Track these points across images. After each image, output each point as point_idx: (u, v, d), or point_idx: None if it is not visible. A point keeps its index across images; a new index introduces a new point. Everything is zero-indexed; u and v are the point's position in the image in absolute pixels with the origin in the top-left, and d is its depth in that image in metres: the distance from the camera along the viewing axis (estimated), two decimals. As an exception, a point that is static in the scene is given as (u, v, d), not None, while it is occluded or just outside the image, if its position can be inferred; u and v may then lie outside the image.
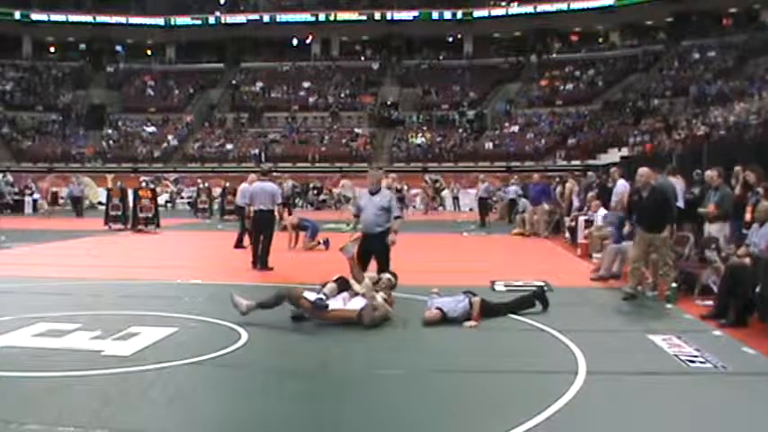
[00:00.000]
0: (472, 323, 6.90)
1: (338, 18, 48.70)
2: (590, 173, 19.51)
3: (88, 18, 48.76)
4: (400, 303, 7.37)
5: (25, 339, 6.19)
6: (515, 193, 23.91)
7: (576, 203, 16.19)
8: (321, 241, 14.47)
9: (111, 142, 43.38)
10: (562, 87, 43.93)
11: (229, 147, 41.83)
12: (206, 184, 29.71)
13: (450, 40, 50.01)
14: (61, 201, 26.62)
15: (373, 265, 8.19)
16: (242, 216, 13.58)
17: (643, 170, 8.78)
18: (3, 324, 6.70)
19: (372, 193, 8.43)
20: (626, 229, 9.55)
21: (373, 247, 8.19)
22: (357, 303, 6.89)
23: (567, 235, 15.42)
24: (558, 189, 18.29)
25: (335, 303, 6.89)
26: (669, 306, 7.99)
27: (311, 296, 6.90)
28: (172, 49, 51.40)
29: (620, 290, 8.85)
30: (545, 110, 42.16)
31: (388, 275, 7.48)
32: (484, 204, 21.76)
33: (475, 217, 26.51)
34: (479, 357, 5.94)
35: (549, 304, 7.68)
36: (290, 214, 16.59)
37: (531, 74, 45.87)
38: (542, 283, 9.17)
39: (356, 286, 7.08)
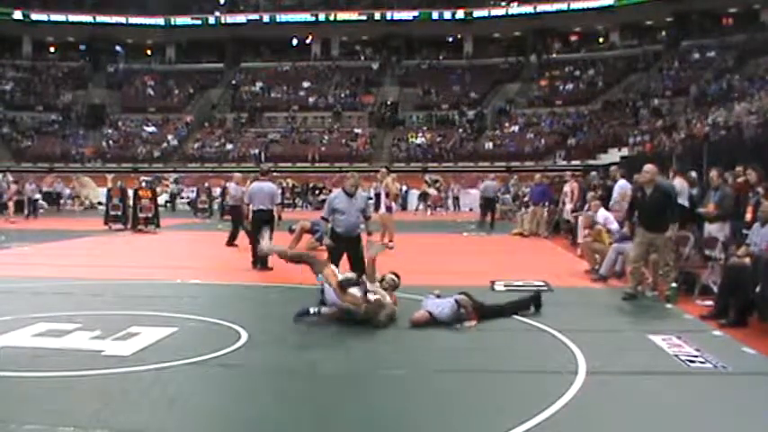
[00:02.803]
0: (472, 323, 6.88)
1: (338, 18, 48.69)
2: (592, 173, 19.45)
3: (88, 18, 48.76)
4: (400, 303, 7.36)
5: (25, 339, 6.19)
6: (510, 199, 23.99)
7: (568, 205, 16.26)
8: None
9: (110, 142, 43.39)
10: (562, 87, 43.93)
11: (229, 147, 41.85)
12: (206, 185, 29.81)
13: (450, 40, 50.00)
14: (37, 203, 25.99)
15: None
16: (237, 215, 14.17)
17: (648, 167, 8.62)
18: (3, 324, 6.70)
19: (350, 195, 8.40)
20: (625, 228, 9.54)
21: (350, 249, 8.26)
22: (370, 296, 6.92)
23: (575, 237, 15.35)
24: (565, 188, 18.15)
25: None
26: (669, 306, 7.99)
27: (338, 275, 6.92)
28: (172, 49, 51.40)
29: (620, 290, 8.85)
30: (545, 110, 42.17)
31: (391, 275, 7.47)
32: (487, 203, 21.48)
33: (475, 217, 26.50)
34: (479, 357, 5.94)
35: (541, 306, 7.64)
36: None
37: (531, 74, 45.88)
38: (542, 283, 9.18)
39: (368, 285, 7.09)
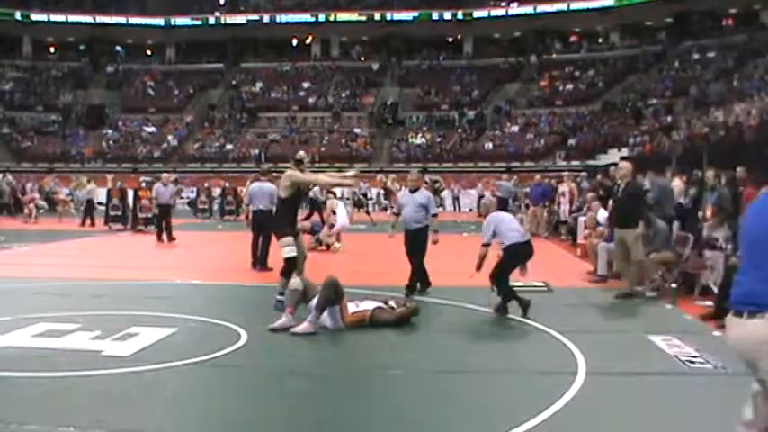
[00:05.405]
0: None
1: (338, 18, 48.69)
2: (583, 173, 19.48)
3: (88, 18, 48.76)
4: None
5: (25, 339, 6.18)
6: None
7: (564, 206, 16.29)
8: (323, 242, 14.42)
9: (110, 142, 43.40)
10: (562, 88, 43.92)
11: (229, 147, 41.85)
12: (206, 185, 29.75)
13: (450, 40, 49.99)
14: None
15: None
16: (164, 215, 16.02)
17: (623, 164, 9.03)
18: (3, 324, 6.69)
19: (412, 192, 8.99)
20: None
21: (413, 243, 8.71)
22: (369, 304, 6.95)
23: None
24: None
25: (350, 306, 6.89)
26: (669, 306, 8.00)
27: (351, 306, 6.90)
28: (172, 49, 51.39)
29: (619, 291, 8.85)
30: (545, 110, 42.16)
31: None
32: (500, 203, 21.75)
33: (475, 217, 26.41)
34: (479, 357, 5.94)
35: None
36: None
37: (531, 74, 45.86)
38: (542, 284, 9.18)
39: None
